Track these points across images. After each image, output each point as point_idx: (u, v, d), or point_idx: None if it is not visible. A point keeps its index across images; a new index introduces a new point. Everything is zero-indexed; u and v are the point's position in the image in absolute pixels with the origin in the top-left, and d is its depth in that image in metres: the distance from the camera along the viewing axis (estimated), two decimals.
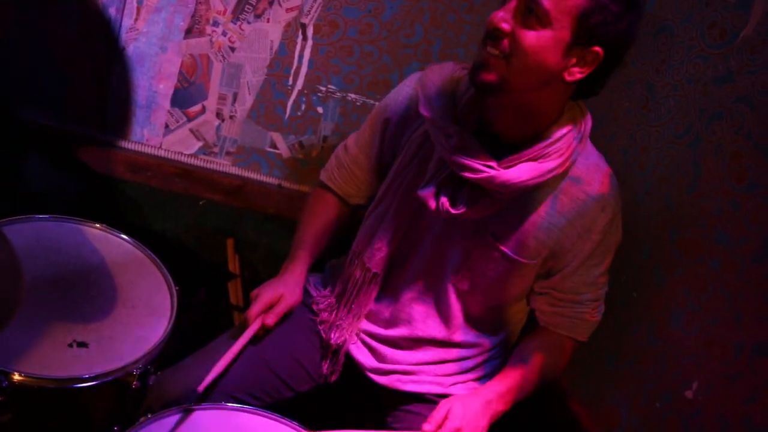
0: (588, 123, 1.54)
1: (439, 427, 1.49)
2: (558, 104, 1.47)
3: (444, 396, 1.69)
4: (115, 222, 1.84)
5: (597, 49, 1.35)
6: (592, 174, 1.53)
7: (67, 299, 1.60)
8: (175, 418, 1.42)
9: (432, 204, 1.52)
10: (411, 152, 1.60)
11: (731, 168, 1.54)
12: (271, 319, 1.65)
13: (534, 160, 1.46)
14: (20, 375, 1.40)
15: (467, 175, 1.45)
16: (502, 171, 1.44)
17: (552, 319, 1.67)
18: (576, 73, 1.38)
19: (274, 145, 2.38)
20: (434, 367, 1.71)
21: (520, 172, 1.45)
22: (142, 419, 1.39)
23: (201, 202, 2.38)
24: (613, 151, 1.88)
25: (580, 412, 1.89)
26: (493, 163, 1.45)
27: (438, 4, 2.20)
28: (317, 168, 2.25)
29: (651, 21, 1.86)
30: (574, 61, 1.37)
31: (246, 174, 2.40)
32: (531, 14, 1.32)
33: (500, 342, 1.76)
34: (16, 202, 1.90)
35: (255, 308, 1.66)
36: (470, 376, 1.73)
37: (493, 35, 1.35)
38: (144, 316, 1.63)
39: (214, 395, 1.59)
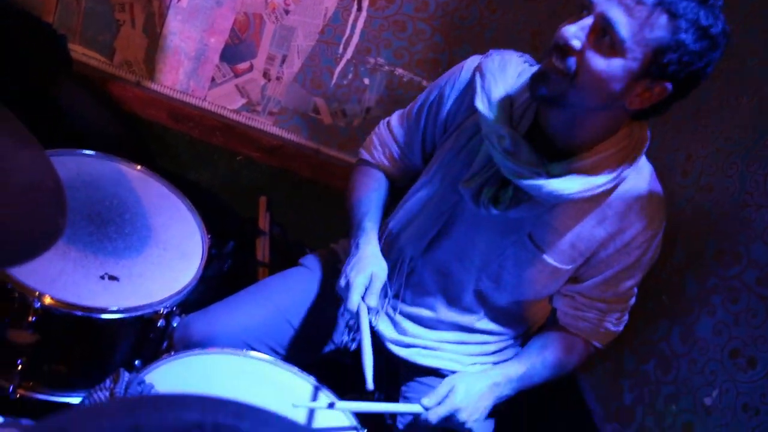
0: (646, 140, 1.48)
1: (439, 403, 1.50)
2: (616, 123, 1.42)
3: None
4: (152, 168, 1.87)
5: (666, 84, 1.29)
6: (642, 191, 1.50)
7: (102, 234, 1.62)
8: (196, 358, 1.43)
9: (474, 200, 1.51)
10: (461, 143, 1.58)
11: None
12: (373, 301, 1.52)
13: (585, 173, 1.42)
14: (52, 299, 1.44)
15: (516, 180, 1.43)
16: (552, 180, 1.41)
17: (573, 322, 1.66)
18: (638, 103, 1.33)
19: (316, 111, 2.38)
20: (455, 346, 1.71)
21: (570, 183, 1.41)
22: (164, 356, 1.41)
23: (238, 158, 2.40)
24: (660, 154, 1.86)
25: (595, 408, 1.89)
26: (542, 172, 1.41)
27: None
28: (357, 137, 2.25)
29: None
30: (639, 91, 1.31)
31: (286, 135, 2.41)
32: (604, 38, 1.25)
33: (524, 332, 1.76)
34: (59, 137, 1.92)
35: (354, 296, 1.50)
36: (491, 359, 1.73)
37: (562, 50, 1.29)
38: (175, 258, 1.66)
39: (235, 344, 1.60)
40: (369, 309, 1.51)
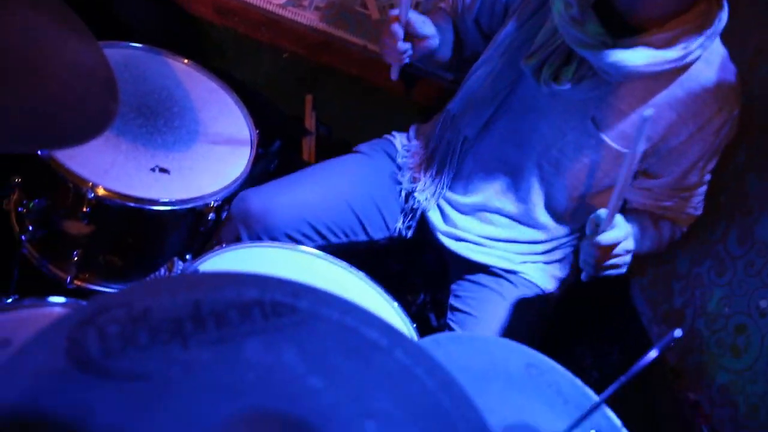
0: (722, 19, 1.40)
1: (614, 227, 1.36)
2: None
3: (511, 272, 1.69)
4: (199, 63, 1.84)
5: None
6: (715, 71, 1.43)
7: (152, 126, 1.62)
8: (247, 250, 1.44)
9: (536, 76, 1.46)
10: (525, 16, 1.52)
11: None
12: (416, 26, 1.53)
13: (654, 46, 1.35)
14: (105, 190, 1.45)
15: (579, 49, 1.37)
16: (617, 50, 1.35)
17: (654, 210, 1.61)
18: None
19: (364, 5, 2.30)
20: (505, 243, 1.70)
21: (636, 55, 1.35)
22: (215, 248, 1.42)
23: (284, 55, 2.35)
24: (727, 47, 1.76)
25: (643, 311, 1.87)
26: (608, 41, 1.35)
27: None
28: None
29: None
30: None
31: (332, 31, 2.34)
32: None
33: (577, 230, 1.72)
34: (106, 29, 1.89)
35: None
36: (541, 258, 1.72)
37: None
38: (225, 153, 1.66)
39: (293, 219, 1.61)
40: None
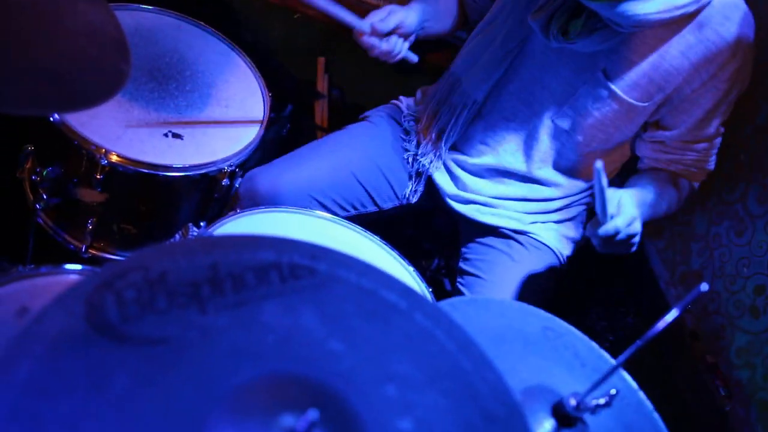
0: None
1: (619, 212, 1.35)
2: None
3: (521, 232, 1.68)
4: (210, 25, 1.81)
5: None
6: (728, 14, 1.39)
7: (164, 91, 1.60)
8: (261, 215, 1.44)
9: (544, 31, 1.43)
10: None
11: None
12: (380, 27, 1.58)
13: None
14: (118, 156, 1.44)
15: (587, 1, 1.34)
16: (626, 1, 1.31)
17: (666, 166, 1.58)
18: None
19: None
20: (516, 203, 1.68)
21: (647, 4, 1.31)
22: (230, 213, 1.42)
23: (296, 16, 2.31)
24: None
25: (661, 273, 1.86)
26: None
27: None
28: None
29: None
30: None
31: None
32: None
33: (588, 188, 1.70)
34: None
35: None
36: (553, 216, 1.70)
37: None
38: (237, 117, 1.64)
39: (301, 197, 1.61)
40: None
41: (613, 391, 0.94)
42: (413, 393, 0.69)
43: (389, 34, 1.60)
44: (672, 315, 0.80)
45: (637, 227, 1.37)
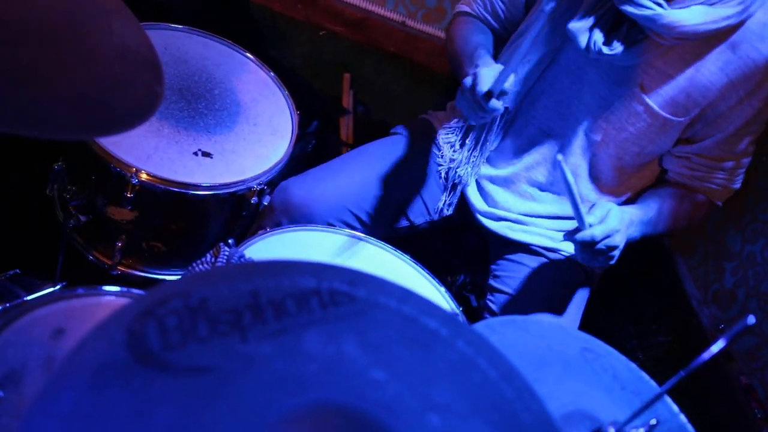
0: None
1: (600, 222, 1.38)
2: None
3: (552, 250, 1.66)
4: (237, 43, 1.82)
5: None
6: (765, 33, 1.36)
7: (193, 109, 1.61)
8: (292, 234, 1.43)
9: (583, 41, 1.40)
10: None
11: None
12: (509, 82, 1.41)
13: (708, 3, 1.30)
14: (148, 175, 1.45)
15: (630, 10, 1.32)
16: (671, 10, 1.29)
17: (690, 182, 1.56)
18: None
19: None
20: (547, 221, 1.66)
21: (691, 14, 1.30)
22: (259, 232, 1.41)
23: (321, 33, 2.33)
24: None
25: (693, 292, 1.83)
26: (661, 1, 1.30)
27: None
28: (445, 8, 2.13)
29: None
30: None
31: (370, 7, 2.30)
32: None
33: (621, 204, 1.68)
34: (145, 10, 1.88)
35: (485, 76, 1.41)
36: None
37: None
38: (266, 135, 1.64)
39: (334, 208, 1.60)
40: (502, 94, 1.40)
41: (653, 422, 0.92)
42: (457, 423, 0.67)
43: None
44: (718, 346, 0.78)
45: (616, 240, 1.38)
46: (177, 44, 1.73)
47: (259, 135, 1.63)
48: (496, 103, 1.40)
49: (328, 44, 2.35)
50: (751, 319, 0.76)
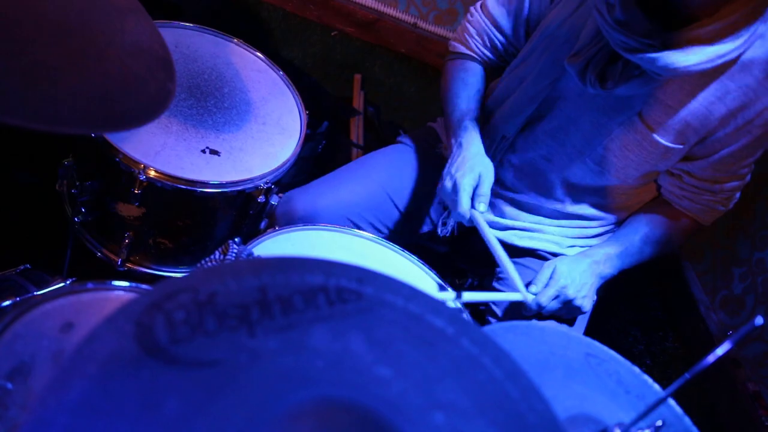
0: None
1: (545, 286, 1.45)
2: None
3: (558, 255, 1.66)
4: (248, 42, 1.83)
5: None
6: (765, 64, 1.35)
7: (202, 107, 1.61)
8: (300, 233, 1.44)
9: (581, 77, 1.40)
10: (565, 14, 1.46)
11: None
12: (483, 206, 1.46)
13: (706, 42, 1.28)
14: (156, 171, 1.45)
15: (626, 54, 1.31)
16: (666, 52, 1.27)
17: (678, 201, 1.57)
18: None
19: None
20: (555, 228, 1.66)
21: (687, 55, 1.28)
22: (269, 231, 1.42)
23: (333, 33, 2.33)
24: None
25: (701, 298, 1.83)
26: (657, 43, 1.28)
27: None
28: (456, 10, 2.14)
29: None
30: None
31: (382, 8, 2.31)
32: None
33: (625, 218, 1.68)
34: (156, 8, 1.89)
35: (464, 200, 1.44)
36: (591, 241, 1.68)
37: None
38: (274, 134, 1.64)
39: (337, 220, 1.60)
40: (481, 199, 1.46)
41: (659, 423, 0.92)
42: (461, 421, 0.68)
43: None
44: (724, 348, 0.78)
45: (569, 293, 1.44)
46: (188, 42, 1.74)
47: (267, 134, 1.63)
48: (475, 212, 1.46)
49: (339, 45, 2.36)
50: (759, 320, 0.76)
